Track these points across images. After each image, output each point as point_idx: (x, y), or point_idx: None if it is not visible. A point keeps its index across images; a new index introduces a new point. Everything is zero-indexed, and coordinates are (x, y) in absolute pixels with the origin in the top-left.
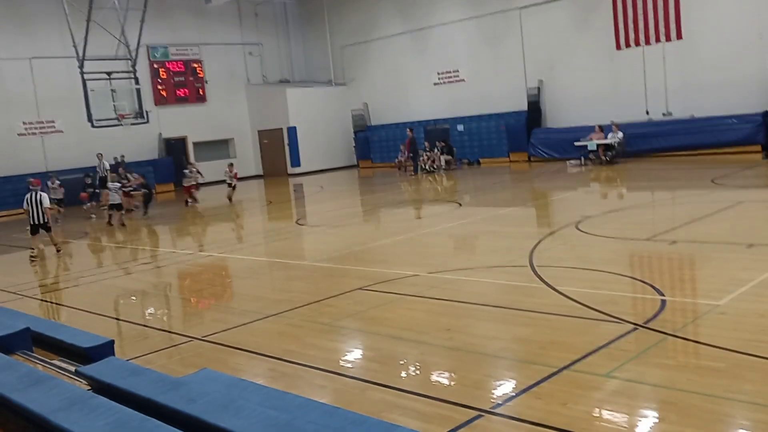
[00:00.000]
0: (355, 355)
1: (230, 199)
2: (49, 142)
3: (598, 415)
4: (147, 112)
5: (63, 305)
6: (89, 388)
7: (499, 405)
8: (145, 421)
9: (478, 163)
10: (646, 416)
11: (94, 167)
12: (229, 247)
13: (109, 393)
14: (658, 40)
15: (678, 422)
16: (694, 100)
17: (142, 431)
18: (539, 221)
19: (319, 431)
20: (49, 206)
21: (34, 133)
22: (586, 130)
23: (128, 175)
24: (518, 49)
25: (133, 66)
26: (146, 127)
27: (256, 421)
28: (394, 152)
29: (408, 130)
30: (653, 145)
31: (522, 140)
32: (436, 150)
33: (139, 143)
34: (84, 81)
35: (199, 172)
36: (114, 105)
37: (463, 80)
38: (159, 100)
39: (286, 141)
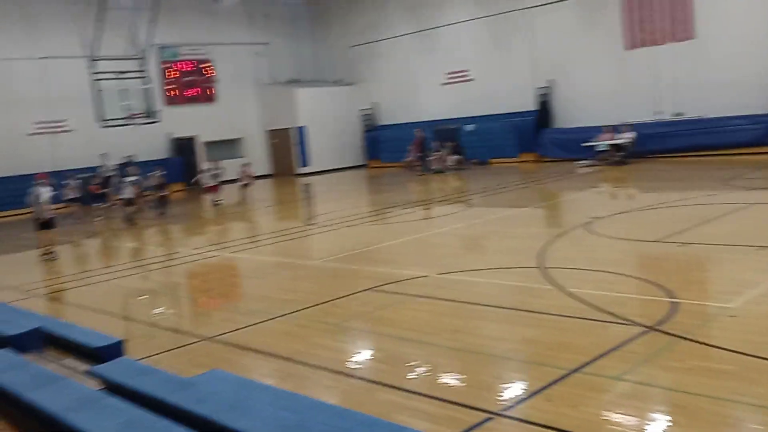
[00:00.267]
0: (363, 355)
1: (244, 199)
2: (59, 141)
3: (608, 418)
4: (157, 111)
5: (72, 304)
6: (100, 387)
7: (508, 407)
8: (156, 421)
9: (488, 163)
10: (656, 419)
11: (96, 168)
12: (237, 246)
13: (120, 393)
14: (668, 39)
15: (688, 425)
16: (705, 100)
17: (154, 431)
18: (548, 222)
19: None
20: (47, 202)
21: (44, 133)
22: (595, 131)
23: (147, 174)
24: (527, 48)
25: (144, 66)
26: (156, 127)
27: (266, 422)
28: (403, 152)
29: (416, 130)
30: (663, 145)
31: (531, 140)
32: (444, 150)
33: (149, 143)
34: (95, 81)
35: (222, 171)
36: (124, 104)
37: (472, 80)
38: (169, 100)
39: (295, 141)
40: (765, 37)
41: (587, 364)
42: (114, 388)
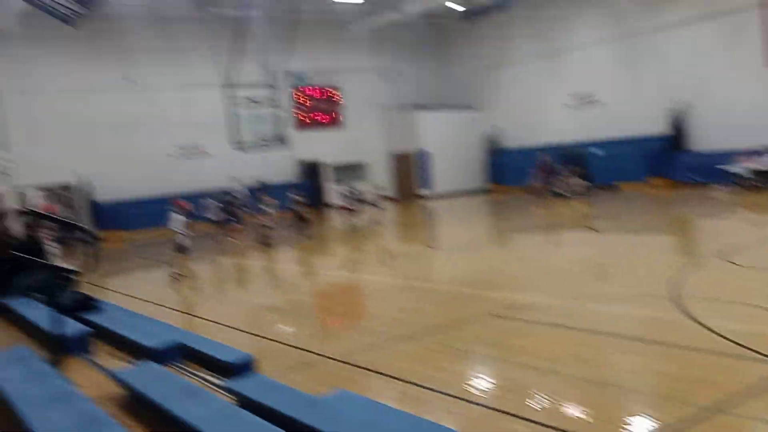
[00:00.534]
0: (486, 382)
1: (376, 222)
2: (198, 164)
3: None
4: (287, 136)
5: (207, 320)
6: (235, 402)
7: None
8: None
9: (616, 187)
10: None
11: (230, 190)
12: (361, 267)
13: (253, 408)
14: None
15: None
16: None
17: None
18: (681, 250)
19: None
20: (180, 228)
21: (185, 156)
22: (733, 154)
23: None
24: (659, 69)
25: (276, 93)
26: (285, 151)
27: None
28: (526, 176)
29: (542, 153)
30: None
31: (663, 164)
32: (570, 174)
33: (278, 166)
34: (230, 107)
35: (360, 194)
36: (257, 130)
37: (599, 102)
38: (298, 125)
39: (418, 164)
40: None
41: (725, 402)
42: (247, 403)
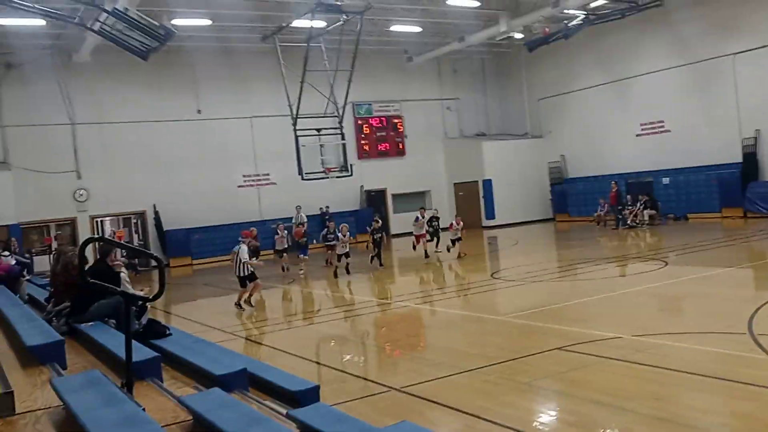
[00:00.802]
0: (553, 418)
1: (460, 255)
2: (263, 193)
3: None
4: (351, 165)
5: (271, 347)
6: (299, 431)
7: None
8: None
9: (686, 218)
10: None
11: (296, 219)
12: (424, 297)
13: None
14: None
15: None
16: None
17: None
18: (759, 284)
19: None
20: (247, 259)
21: (251, 185)
22: None
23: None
24: (731, 97)
25: (340, 122)
26: (349, 180)
27: None
28: (592, 206)
29: (612, 183)
30: None
31: (736, 194)
32: (639, 204)
33: (342, 195)
34: (296, 137)
35: (435, 219)
36: (322, 159)
37: (668, 131)
38: (362, 154)
39: (481, 193)
40: None
41: None
42: None
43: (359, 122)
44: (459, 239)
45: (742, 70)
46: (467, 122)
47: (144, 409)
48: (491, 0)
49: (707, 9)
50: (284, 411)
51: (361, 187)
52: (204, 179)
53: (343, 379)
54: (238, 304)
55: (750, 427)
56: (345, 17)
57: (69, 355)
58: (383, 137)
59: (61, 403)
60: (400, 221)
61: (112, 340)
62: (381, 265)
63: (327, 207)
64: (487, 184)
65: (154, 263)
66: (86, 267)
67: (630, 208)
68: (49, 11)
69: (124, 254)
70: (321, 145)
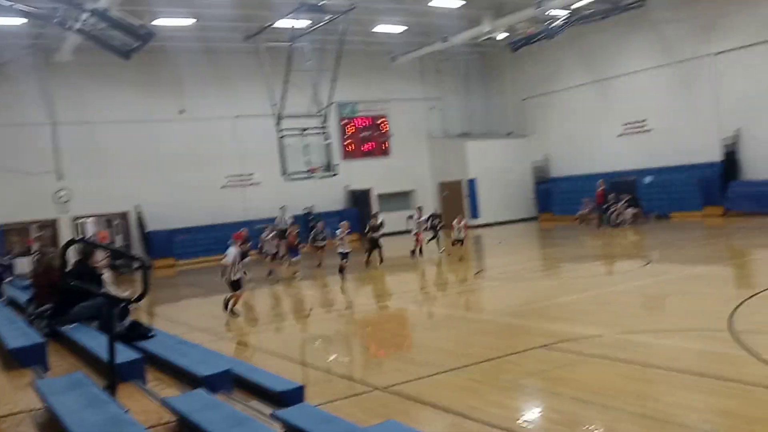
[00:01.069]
0: (538, 416)
1: (461, 258)
2: (247, 193)
3: None
4: (335, 165)
5: (256, 348)
6: (283, 431)
7: None
8: None
9: (668, 216)
10: None
11: (283, 221)
12: (409, 297)
13: None
14: None
15: None
16: None
17: None
18: (739, 282)
19: None
20: (230, 263)
21: (235, 185)
22: None
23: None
24: (712, 96)
25: (324, 122)
26: (334, 180)
27: None
28: (575, 205)
29: (600, 181)
30: None
31: (717, 193)
32: (621, 203)
33: (327, 195)
34: (280, 137)
35: (436, 217)
36: (306, 159)
37: (650, 130)
38: (346, 154)
39: (465, 193)
40: None
41: None
42: None
43: (344, 122)
44: (461, 241)
45: (723, 70)
46: (451, 122)
47: (128, 411)
48: (474, 0)
49: (689, 9)
50: (269, 411)
51: (346, 187)
52: (187, 179)
53: (328, 380)
54: (231, 311)
55: (731, 423)
56: (329, 17)
57: (51, 358)
58: (368, 137)
59: (44, 406)
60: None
61: (95, 341)
62: (381, 261)
63: (312, 207)
64: (472, 183)
65: (137, 264)
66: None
67: (613, 207)
68: (29, 10)
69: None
70: (305, 145)
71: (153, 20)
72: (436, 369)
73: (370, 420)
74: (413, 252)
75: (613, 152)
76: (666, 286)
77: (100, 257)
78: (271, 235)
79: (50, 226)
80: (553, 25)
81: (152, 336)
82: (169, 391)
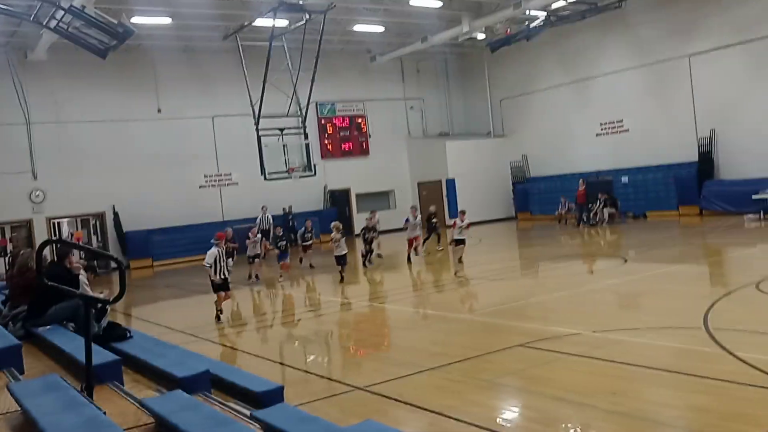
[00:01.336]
0: (516, 414)
1: (461, 260)
2: (225, 193)
3: None
4: (314, 165)
5: (235, 349)
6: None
7: None
8: None
9: (645, 216)
10: None
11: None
12: (388, 297)
13: None
14: None
15: None
16: None
17: None
18: (714, 280)
19: None
20: (209, 264)
21: (213, 185)
22: (764, 182)
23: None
24: (688, 97)
25: (303, 122)
26: (313, 180)
27: None
28: (553, 204)
29: (581, 180)
30: None
31: (693, 193)
32: (598, 202)
33: (306, 195)
34: (259, 137)
35: (434, 216)
36: (285, 159)
37: (627, 130)
38: (325, 154)
39: (444, 193)
40: None
41: None
42: None
43: (322, 122)
44: (463, 241)
45: (698, 72)
46: (431, 122)
47: (105, 413)
48: (454, 0)
49: (665, 11)
50: (248, 412)
51: (325, 186)
52: (164, 179)
53: (306, 380)
54: (216, 315)
55: (705, 419)
56: (307, 16)
57: (26, 360)
58: (347, 137)
59: (19, 409)
60: (363, 221)
61: (71, 343)
62: (370, 262)
63: (290, 207)
64: (451, 183)
65: (113, 265)
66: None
67: (590, 206)
68: (3, 7)
69: (83, 256)
70: (284, 145)
71: (130, 18)
72: (415, 368)
73: (349, 420)
74: (409, 258)
75: (590, 152)
76: (642, 285)
77: (76, 258)
78: (257, 236)
79: (25, 226)
80: (532, 26)
81: (129, 337)
82: (147, 392)
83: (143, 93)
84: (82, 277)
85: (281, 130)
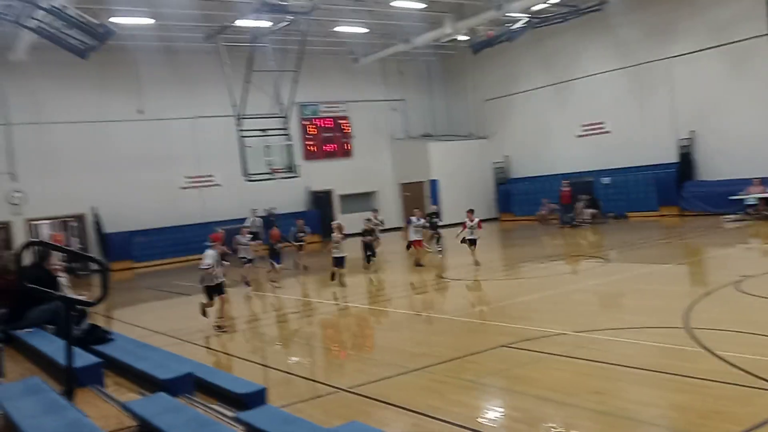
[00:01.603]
0: (500, 414)
1: (476, 261)
2: (207, 195)
3: None
4: (297, 166)
5: (218, 351)
6: None
7: None
8: None
9: (625, 217)
10: None
11: (245, 219)
12: (372, 298)
13: None
14: None
15: None
16: None
17: None
18: (694, 280)
19: None
20: (209, 266)
21: (195, 187)
22: (743, 183)
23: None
24: (667, 99)
25: (286, 123)
26: (295, 181)
27: None
28: (536, 205)
29: (564, 182)
30: None
31: (672, 193)
32: (580, 203)
33: (288, 196)
34: (241, 138)
35: (435, 216)
36: (267, 160)
37: (608, 132)
38: (308, 155)
39: (427, 194)
40: None
41: None
42: None
43: (305, 123)
44: (475, 241)
45: (678, 74)
46: (413, 123)
47: (87, 416)
48: (436, 2)
49: (645, 14)
50: (232, 414)
51: (308, 188)
52: (146, 181)
53: (290, 381)
54: (217, 325)
55: (686, 417)
56: (290, 17)
57: (6, 363)
58: (329, 138)
59: (0, 412)
60: (347, 222)
61: (52, 346)
62: (372, 261)
63: (273, 208)
64: (434, 184)
65: (94, 267)
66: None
67: (573, 207)
68: None
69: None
70: (266, 146)
71: (111, 18)
72: (398, 369)
73: (333, 421)
74: (418, 262)
75: (571, 154)
76: (623, 285)
77: (56, 260)
78: (248, 237)
79: (3, 228)
80: (514, 27)
81: (111, 340)
82: (130, 395)
83: (124, 94)
84: (63, 279)
85: (264, 131)
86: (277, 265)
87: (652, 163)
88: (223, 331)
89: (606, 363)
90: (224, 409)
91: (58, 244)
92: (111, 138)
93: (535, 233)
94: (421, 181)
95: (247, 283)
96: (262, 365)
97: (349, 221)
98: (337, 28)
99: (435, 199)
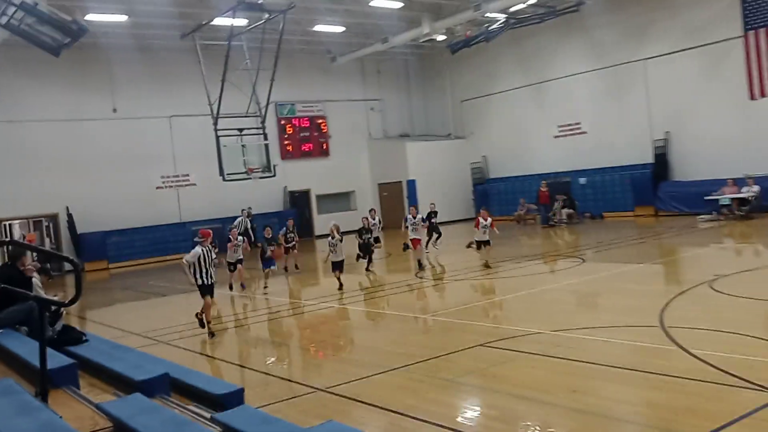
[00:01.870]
0: (476, 413)
1: (487, 264)
2: (183, 194)
3: None
4: (274, 166)
5: (194, 351)
6: None
7: None
8: None
9: (602, 217)
10: None
11: (237, 217)
12: (349, 298)
13: None
14: None
15: None
16: None
17: None
18: (668, 279)
19: None
20: (189, 262)
21: (170, 186)
22: (717, 184)
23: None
24: (643, 100)
25: (263, 123)
26: (272, 181)
27: None
28: (513, 205)
29: (543, 182)
30: None
31: (648, 194)
32: (557, 203)
33: (265, 196)
34: (217, 137)
35: (433, 214)
36: (244, 159)
37: (584, 132)
38: (285, 155)
39: (405, 194)
40: None
41: (716, 431)
42: None
43: (282, 122)
44: (488, 242)
45: (653, 75)
46: (391, 123)
47: (61, 417)
48: (414, 2)
49: (621, 15)
50: (208, 415)
51: (285, 187)
52: (120, 180)
53: (267, 382)
54: (209, 331)
55: (660, 414)
56: (267, 16)
57: None
58: (307, 137)
59: None
60: (324, 222)
61: (25, 347)
62: (367, 269)
63: (250, 208)
64: (411, 184)
65: (68, 267)
66: None
67: (550, 207)
68: None
69: (36, 258)
70: (243, 146)
71: (84, 15)
72: (376, 369)
73: (310, 421)
74: (420, 263)
75: (548, 154)
76: (599, 284)
77: (29, 260)
78: (239, 239)
79: None
80: (491, 28)
81: (85, 341)
82: (104, 396)
83: (98, 92)
84: (36, 279)
85: (240, 130)
86: (273, 269)
87: (627, 164)
88: (212, 336)
89: (582, 361)
90: (201, 410)
91: (31, 244)
92: (85, 137)
93: (512, 233)
94: (399, 181)
95: (242, 286)
96: (240, 366)
97: (327, 221)
98: (314, 27)
99: (413, 200)
